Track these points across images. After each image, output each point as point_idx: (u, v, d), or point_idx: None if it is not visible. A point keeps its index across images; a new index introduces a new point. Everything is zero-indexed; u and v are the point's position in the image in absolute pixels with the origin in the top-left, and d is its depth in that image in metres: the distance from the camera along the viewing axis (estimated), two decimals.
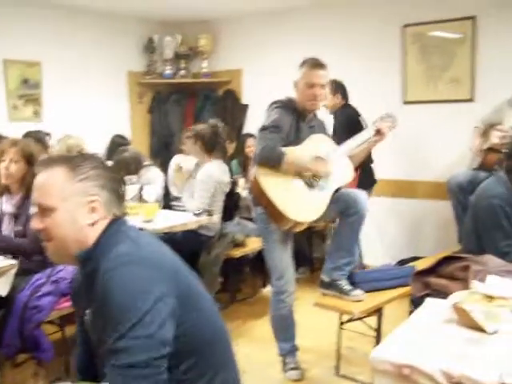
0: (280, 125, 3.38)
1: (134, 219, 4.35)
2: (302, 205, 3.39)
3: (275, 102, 3.53)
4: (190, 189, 4.94)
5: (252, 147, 5.70)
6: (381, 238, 6.22)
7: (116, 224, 1.74)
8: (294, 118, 3.49)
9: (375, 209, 5.93)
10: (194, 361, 1.68)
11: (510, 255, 3.24)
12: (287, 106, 3.50)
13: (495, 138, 4.55)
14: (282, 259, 3.61)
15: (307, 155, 3.46)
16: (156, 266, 1.63)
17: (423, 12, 5.73)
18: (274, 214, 3.37)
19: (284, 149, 3.37)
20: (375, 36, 6.04)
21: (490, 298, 2.12)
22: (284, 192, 3.36)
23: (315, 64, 3.51)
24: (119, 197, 1.78)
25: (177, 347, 1.60)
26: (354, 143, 3.64)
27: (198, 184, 4.85)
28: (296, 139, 3.48)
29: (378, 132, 3.61)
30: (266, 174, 3.36)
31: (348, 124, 5.22)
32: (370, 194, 5.53)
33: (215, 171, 4.89)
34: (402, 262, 5.41)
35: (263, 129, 3.41)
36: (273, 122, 3.39)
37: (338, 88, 5.45)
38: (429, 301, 2.42)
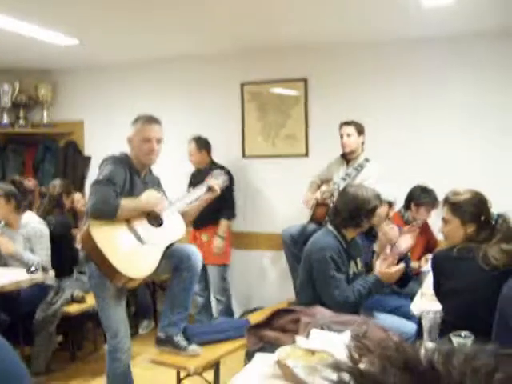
0: (113, 179, 3.35)
1: None
2: (134, 260, 3.36)
3: (109, 158, 3.51)
4: None
5: (81, 201, 5.66)
6: None
7: None
8: (129, 174, 3.47)
9: None
10: None
11: (343, 304, 3.42)
12: (121, 161, 3.49)
13: (318, 193, 4.85)
14: (116, 316, 3.55)
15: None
16: None
17: (260, 72, 6.03)
18: (106, 269, 3.31)
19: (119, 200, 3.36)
20: (216, 92, 6.23)
21: (312, 352, 2.23)
22: (117, 247, 3.32)
23: (150, 119, 3.57)
24: None
25: None
26: (187, 200, 3.72)
27: (35, 239, 4.73)
28: (130, 195, 3.46)
29: (210, 189, 3.73)
30: (98, 229, 3.29)
31: None
32: None
33: (41, 224, 4.85)
34: (245, 313, 5.52)
35: (96, 183, 3.37)
36: (105, 176, 3.35)
37: (204, 145, 5.64)
38: (258, 356, 2.49)
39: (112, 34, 5.27)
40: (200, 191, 3.77)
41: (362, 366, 0.58)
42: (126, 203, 3.33)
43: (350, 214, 3.60)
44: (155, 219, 3.50)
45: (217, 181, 3.79)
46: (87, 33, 5.20)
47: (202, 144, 5.64)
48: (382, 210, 4.22)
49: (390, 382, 0.55)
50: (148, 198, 3.47)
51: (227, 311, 5.73)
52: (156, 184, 3.77)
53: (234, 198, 5.67)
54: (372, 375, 0.56)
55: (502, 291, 2.37)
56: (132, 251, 3.38)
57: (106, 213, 3.29)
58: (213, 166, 5.52)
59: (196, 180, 5.14)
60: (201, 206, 3.82)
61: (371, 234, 4.25)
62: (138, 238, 3.42)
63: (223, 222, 5.53)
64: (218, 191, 3.77)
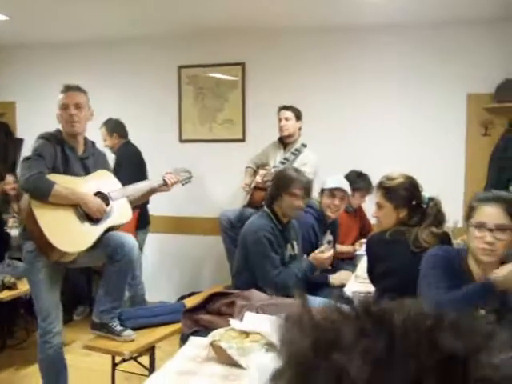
0: (41, 153, 3.26)
1: None
2: (70, 236, 3.31)
3: (40, 134, 3.42)
4: None
5: (12, 184, 5.47)
6: (162, 275, 6.26)
7: None
8: (60, 149, 3.37)
9: (155, 246, 6.00)
10: None
11: (280, 282, 3.47)
12: (53, 136, 3.39)
13: (258, 176, 4.87)
14: (48, 300, 3.46)
15: (86, 189, 3.40)
16: None
17: (198, 55, 5.98)
18: (41, 243, 3.26)
19: (55, 176, 3.28)
20: (153, 74, 6.16)
21: (246, 334, 2.24)
22: (55, 221, 3.26)
23: (67, 87, 3.47)
24: None
25: None
26: (140, 188, 3.68)
27: None
28: (66, 171, 3.38)
29: (166, 183, 3.70)
30: (39, 203, 3.24)
31: (130, 161, 5.26)
32: (146, 233, 5.56)
33: None
34: (181, 298, 5.50)
35: (26, 158, 3.29)
36: (34, 150, 3.28)
37: (116, 127, 5.45)
38: (192, 339, 2.49)
39: (44, 11, 5.10)
40: (155, 182, 3.74)
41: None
42: (61, 190, 3.26)
43: (276, 189, 3.74)
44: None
45: (174, 176, 3.76)
46: (18, 8, 5.02)
47: (112, 127, 5.45)
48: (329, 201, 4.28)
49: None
50: (88, 201, 3.35)
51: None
52: (102, 160, 3.69)
53: None
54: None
55: (425, 254, 2.54)
56: (70, 226, 3.33)
57: (39, 190, 3.22)
58: (128, 146, 5.44)
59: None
60: (151, 194, 3.81)
61: (325, 225, 4.31)
62: (79, 216, 3.36)
63: None
64: (170, 188, 3.74)
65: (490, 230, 2.28)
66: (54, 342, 3.50)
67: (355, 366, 0.54)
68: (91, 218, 3.39)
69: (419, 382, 0.53)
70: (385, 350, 0.55)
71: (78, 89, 3.48)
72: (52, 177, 3.28)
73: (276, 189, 3.76)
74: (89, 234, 3.38)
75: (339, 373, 0.54)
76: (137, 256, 3.59)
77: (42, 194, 3.23)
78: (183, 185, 3.95)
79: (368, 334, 0.56)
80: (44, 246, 3.29)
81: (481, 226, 2.30)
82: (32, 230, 3.32)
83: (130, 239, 3.50)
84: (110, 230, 3.48)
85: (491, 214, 2.30)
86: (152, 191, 3.76)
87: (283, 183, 3.75)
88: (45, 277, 3.44)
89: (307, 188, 3.76)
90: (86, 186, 3.43)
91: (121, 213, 3.54)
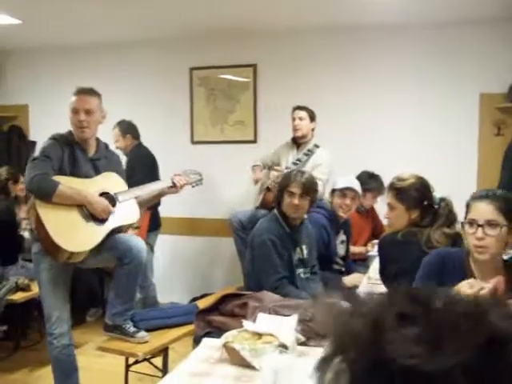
0: (49, 154, 3.26)
1: None
2: (75, 235, 3.31)
3: (50, 136, 3.41)
4: None
5: (20, 185, 5.46)
6: (174, 276, 6.28)
7: None
8: (68, 150, 3.36)
9: (167, 247, 6.01)
10: None
11: (279, 289, 3.45)
12: (63, 137, 3.38)
13: (272, 176, 4.86)
14: (50, 301, 3.48)
15: (92, 190, 3.39)
16: None
17: (209, 57, 5.99)
18: (48, 244, 3.27)
19: (61, 178, 3.28)
20: (165, 77, 6.17)
21: (259, 335, 2.25)
22: (60, 221, 3.27)
23: (79, 90, 3.43)
24: None
25: None
26: (148, 189, 3.67)
27: None
28: (74, 172, 3.38)
29: (175, 185, 3.70)
30: (44, 204, 3.25)
31: (143, 163, 5.27)
32: (157, 234, 5.56)
33: None
34: (193, 299, 5.51)
35: (33, 159, 3.29)
36: (41, 152, 3.29)
37: (129, 128, 5.45)
38: (205, 340, 2.50)
39: (56, 14, 5.13)
40: (164, 184, 3.74)
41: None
42: (65, 190, 3.26)
43: (279, 190, 3.75)
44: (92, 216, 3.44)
45: (183, 178, 3.74)
46: (30, 12, 5.05)
47: (125, 128, 5.43)
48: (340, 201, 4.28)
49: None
50: (93, 201, 3.34)
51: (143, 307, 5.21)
52: (115, 162, 3.68)
53: None
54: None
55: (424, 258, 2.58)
56: (75, 226, 3.32)
57: (43, 190, 3.22)
58: (141, 148, 5.44)
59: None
60: (161, 196, 3.82)
61: (337, 224, 4.31)
62: (84, 216, 3.37)
63: None
64: (179, 190, 3.73)
65: (481, 226, 2.28)
66: (57, 344, 3.50)
67: (405, 348, 0.56)
68: (97, 218, 3.39)
69: (468, 361, 0.55)
70: (432, 332, 0.58)
71: (90, 92, 3.45)
72: (58, 178, 3.28)
73: (279, 189, 3.77)
74: (94, 234, 3.37)
75: (390, 355, 0.56)
76: (146, 258, 3.57)
77: (46, 193, 3.22)
78: (193, 187, 3.95)
79: (414, 318, 0.59)
80: (50, 247, 3.29)
81: (472, 222, 2.32)
82: (38, 231, 3.33)
83: (137, 242, 3.49)
84: (118, 231, 3.48)
85: (483, 210, 2.30)
86: (161, 193, 3.75)
87: (283, 182, 3.77)
88: (47, 278, 3.46)
89: (306, 187, 3.66)
90: (92, 187, 3.42)
91: (128, 213, 3.53)
